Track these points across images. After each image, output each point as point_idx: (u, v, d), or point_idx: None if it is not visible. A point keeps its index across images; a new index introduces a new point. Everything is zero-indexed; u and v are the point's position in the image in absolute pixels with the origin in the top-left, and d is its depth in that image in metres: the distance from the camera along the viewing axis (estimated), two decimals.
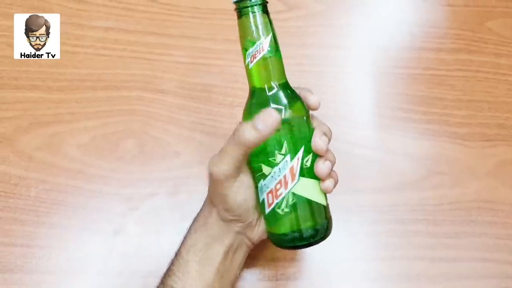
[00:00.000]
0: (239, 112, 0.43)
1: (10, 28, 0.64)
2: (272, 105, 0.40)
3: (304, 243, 0.41)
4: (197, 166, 0.45)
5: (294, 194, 0.40)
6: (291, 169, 0.40)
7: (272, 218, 0.42)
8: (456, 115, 0.65)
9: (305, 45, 0.69)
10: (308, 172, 0.41)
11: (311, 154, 0.41)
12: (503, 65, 0.70)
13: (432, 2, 0.75)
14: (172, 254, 0.45)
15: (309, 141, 0.42)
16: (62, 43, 0.65)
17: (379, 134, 0.63)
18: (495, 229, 0.57)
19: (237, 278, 0.48)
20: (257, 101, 0.42)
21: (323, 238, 0.42)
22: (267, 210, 0.42)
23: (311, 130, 0.42)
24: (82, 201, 0.55)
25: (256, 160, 0.42)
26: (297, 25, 0.71)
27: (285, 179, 0.40)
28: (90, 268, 0.52)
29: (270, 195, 0.41)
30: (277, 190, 0.40)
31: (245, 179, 0.43)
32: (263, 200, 0.42)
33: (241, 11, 0.41)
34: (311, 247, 0.42)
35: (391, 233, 0.56)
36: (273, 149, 0.40)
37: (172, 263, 0.45)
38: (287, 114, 0.41)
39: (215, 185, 0.42)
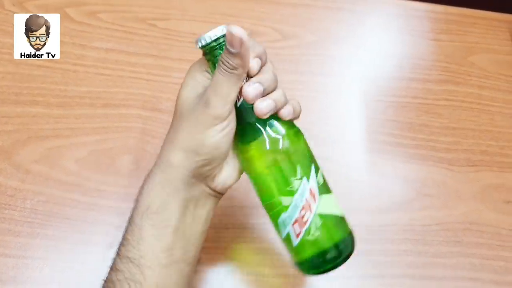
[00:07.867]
0: None
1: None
2: (271, 133, 0.40)
3: (342, 258, 0.41)
4: None
5: (320, 214, 0.40)
6: (311, 190, 0.40)
7: (303, 247, 0.41)
8: (442, 141, 0.68)
9: (298, 72, 0.72)
10: (323, 188, 0.41)
11: (319, 170, 0.42)
12: (486, 96, 0.73)
13: (420, 36, 0.79)
14: None
15: (313, 158, 0.42)
16: (64, 62, 0.67)
17: (369, 157, 0.65)
18: (481, 249, 0.59)
19: (203, 234, 0.43)
20: (251, 127, 0.41)
21: (354, 247, 0.42)
22: (296, 242, 0.41)
23: (309, 147, 0.42)
24: (78, 213, 0.56)
25: (270, 196, 0.41)
26: (291, 53, 0.74)
27: (307, 202, 0.39)
28: (84, 280, 0.52)
29: (296, 224, 0.40)
30: (302, 217, 0.40)
31: (230, 125, 0.40)
32: (288, 233, 0.41)
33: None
34: None
35: (382, 252, 0.57)
36: (288, 177, 0.40)
37: (126, 231, 0.40)
38: (291, 138, 0.40)
39: (204, 124, 0.39)
